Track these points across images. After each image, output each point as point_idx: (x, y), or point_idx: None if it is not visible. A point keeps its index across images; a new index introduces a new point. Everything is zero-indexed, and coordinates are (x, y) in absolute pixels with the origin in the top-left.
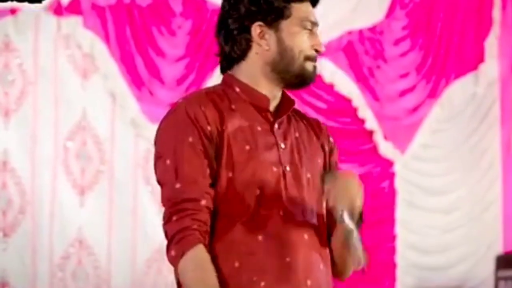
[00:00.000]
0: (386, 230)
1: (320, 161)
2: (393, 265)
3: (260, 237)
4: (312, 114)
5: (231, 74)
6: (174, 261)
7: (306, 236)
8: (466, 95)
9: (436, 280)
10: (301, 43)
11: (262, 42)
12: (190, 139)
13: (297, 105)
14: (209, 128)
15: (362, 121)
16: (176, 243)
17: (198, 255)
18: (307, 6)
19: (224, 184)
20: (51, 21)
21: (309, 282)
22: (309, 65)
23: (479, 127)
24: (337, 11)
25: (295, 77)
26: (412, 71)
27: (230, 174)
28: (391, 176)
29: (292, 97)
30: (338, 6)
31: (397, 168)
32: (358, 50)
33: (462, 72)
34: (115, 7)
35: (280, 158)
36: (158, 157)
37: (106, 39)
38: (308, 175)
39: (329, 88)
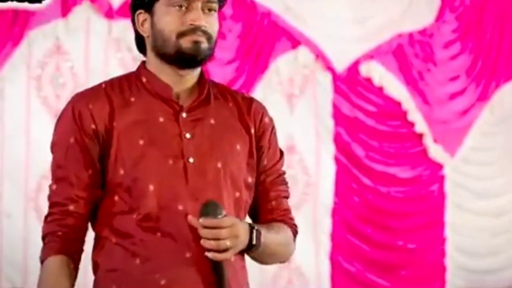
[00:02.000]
0: (436, 233)
1: (240, 147)
2: (443, 268)
3: (158, 234)
4: (362, 117)
5: (143, 63)
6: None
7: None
8: None
9: (486, 282)
10: (170, 23)
11: (143, 30)
12: (71, 140)
13: (345, 108)
14: (93, 126)
15: (412, 124)
16: (42, 247)
17: (48, 267)
18: None
19: (118, 181)
20: (102, 24)
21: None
22: (184, 42)
23: None
24: (387, 14)
25: (175, 58)
26: (462, 74)
27: (122, 172)
28: (441, 179)
29: (209, 79)
30: (388, 9)
31: (447, 171)
32: (408, 53)
33: None
34: None
35: (182, 150)
36: (51, 152)
37: None
38: (219, 165)
39: (379, 91)
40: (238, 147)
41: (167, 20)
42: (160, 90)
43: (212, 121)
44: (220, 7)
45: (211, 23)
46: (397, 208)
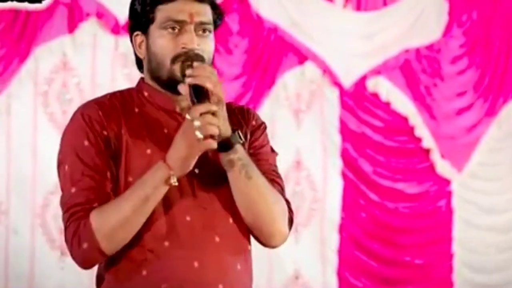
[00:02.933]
0: (444, 248)
1: None
2: (450, 284)
3: (166, 243)
4: (369, 132)
5: (142, 79)
6: (91, 244)
7: (217, 239)
8: None
9: None
10: (163, 46)
11: (140, 51)
12: (86, 143)
13: (352, 124)
14: (105, 132)
15: (419, 140)
16: (79, 236)
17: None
18: (175, 5)
19: (124, 189)
20: (109, 40)
21: (221, 286)
22: (176, 66)
23: None
24: (394, 29)
25: (167, 83)
26: (469, 89)
27: (131, 179)
28: (448, 195)
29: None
30: (395, 24)
31: (454, 186)
32: (415, 68)
33: None
34: None
35: None
36: (58, 165)
37: None
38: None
39: (386, 106)
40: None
41: (160, 43)
42: (163, 103)
43: None
44: (217, 26)
45: (205, 45)
46: (404, 223)
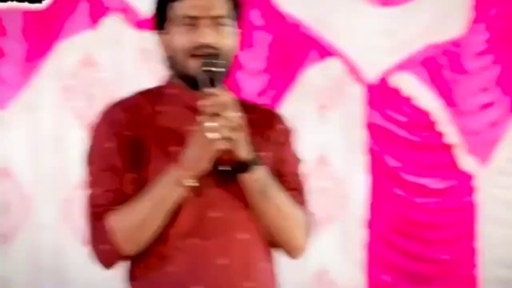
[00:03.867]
0: (468, 244)
1: (265, 154)
2: (476, 279)
3: (192, 240)
4: (393, 128)
5: (169, 76)
6: (111, 246)
7: (242, 236)
8: None
9: None
10: (179, 43)
11: (162, 49)
12: (109, 144)
13: (377, 119)
14: (128, 132)
15: (443, 135)
16: (99, 237)
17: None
18: (190, 1)
19: None
20: (132, 35)
21: (245, 283)
22: (193, 63)
23: None
24: (418, 25)
25: (184, 78)
26: (493, 84)
27: (154, 177)
28: (473, 190)
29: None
30: (419, 19)
31: (479, 182)
32: (439, 64)
33: None
34: None
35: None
36: (85, 164)
37: None
38: None
39: (410, 101)
40: (262, 155)
41: (177, 40)
42: (186, 100)
43: None
44: (238, 18)
45: (223, 39)
46: (430, 219)
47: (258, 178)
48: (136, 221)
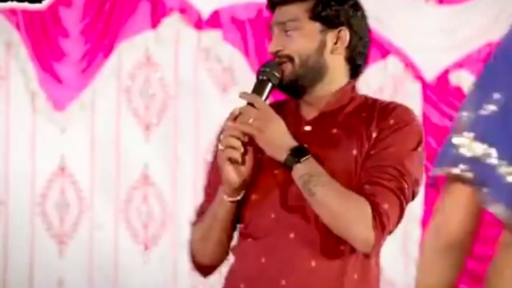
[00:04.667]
0: None
1: (356, 151)
2: None
3: (291, 235)
4: (451, 126)
5: None
6: (190, 256)
7: (292, 235)
8: None
9: None
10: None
11: None
12: (210, 160)
13: (435, 117)
14: None
15: None
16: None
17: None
18: (277, 11)
19: (248, 207)
20: (191, 35)
21: (283, 282)
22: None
23: None
24: (477, 23)
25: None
26: None
27: (254, 197)
28: None
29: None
30: (478, 17)
31: None
32: None
33: None
34: (254, 20)
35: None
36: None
37: (246, 53)
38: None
39: None
40: (354, 152)
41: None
42: (287, 113)
43: (334, 130)
44: (315, 18)
45: (291, 44)
46: (487, 217)
47: (303, 173)
48: (200, 234)
